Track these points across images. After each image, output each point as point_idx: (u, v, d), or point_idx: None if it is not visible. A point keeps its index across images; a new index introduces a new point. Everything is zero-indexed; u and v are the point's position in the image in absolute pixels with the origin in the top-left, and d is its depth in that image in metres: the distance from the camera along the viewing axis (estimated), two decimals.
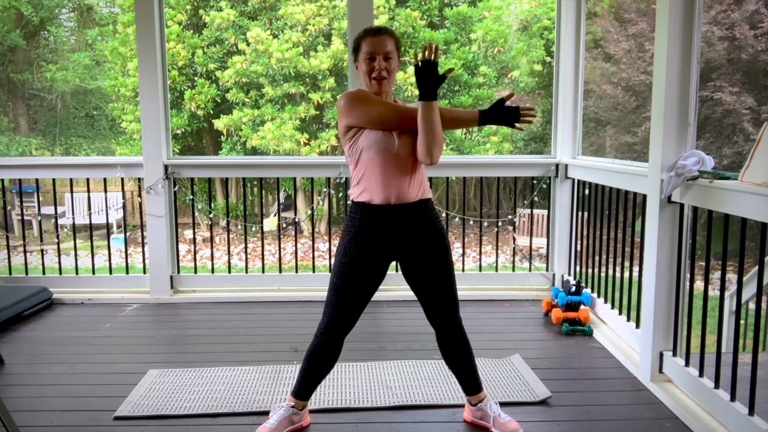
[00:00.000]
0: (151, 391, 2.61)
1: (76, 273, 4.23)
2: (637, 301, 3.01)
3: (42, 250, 4.60)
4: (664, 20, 2.45)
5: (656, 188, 2.57)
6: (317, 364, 2.22)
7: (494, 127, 9.11)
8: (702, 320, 2.41)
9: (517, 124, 2.13)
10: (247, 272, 4.29)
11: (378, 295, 2.25)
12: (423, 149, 2.06)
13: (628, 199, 3.25)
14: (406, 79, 8.70)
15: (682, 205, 2.53)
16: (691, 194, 2.42)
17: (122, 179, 4.10)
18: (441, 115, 2.06)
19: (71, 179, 4.29)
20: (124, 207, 4.54)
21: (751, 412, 2.10)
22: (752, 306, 4.48)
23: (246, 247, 4.43)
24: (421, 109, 2.02)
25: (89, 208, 4.30)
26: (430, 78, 1.99)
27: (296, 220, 5.30)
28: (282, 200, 9.75)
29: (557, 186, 4.00)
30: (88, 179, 4.35)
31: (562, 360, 3.01)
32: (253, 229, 7.54)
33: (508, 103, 2.13)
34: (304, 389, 2.27)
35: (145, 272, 4.12)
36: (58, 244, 4.42)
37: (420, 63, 1.99)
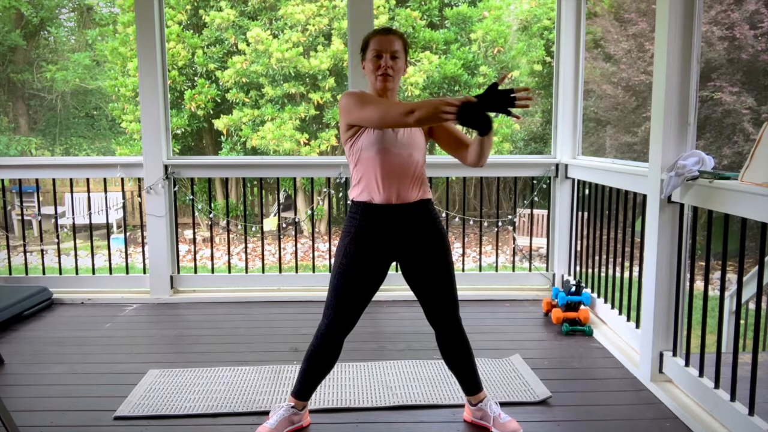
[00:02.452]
0: (151, 391, 2.61)
1: (76, 273, 4.23)
2: (637, 301, 3.01)
3: (42, 250, 4.60)
4: (664, 20, 2.45)
5: (656, 188, 2.57)
6: (317, 365, 2.22)
7: (494, 126, 9.10)
8: (702, 320, 2.41)
9: (513, 111, 1.88)
10: (247, 272, 4.29)
11: (378, 295, 2.25)
12: (478, 161, 2.12)
13: (628, 199, 3.25)
14: (406, 79, 8.70)
15: (682, 205, 2.53)
16: (691, 194, 2.42)
17: (122, 179, 4.10)
18: (431, 106, 1.91)
19: (71, 179, 4.29)
20: (124, 207, 4.54)
21: (751, 412, 2.10)
22: (752, 306, 4.48)
23: (246, 247, 4.43)
24: (480, 140, 2.05)
25: (89, 208, 4.30)
26: (477, 122, 1.95)
27: (296, 220, 5.30)
28: (282, 200, 9.75)
29: (557, 186, 4.00)
30: (88, 179, 4.35)
31: (562, 360, 3.01)
32: (253, 229, 7.54)
33: (501, 86, 1.94)
34: (304, 389, 2.27)
35: (145, 272, 4.12)
36: (58, 244, 4.42)
37: (462, 107, 1.87)
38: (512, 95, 1.86)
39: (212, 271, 4.38)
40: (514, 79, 9.56)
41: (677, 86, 2.47)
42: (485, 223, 5.09)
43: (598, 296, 3.59)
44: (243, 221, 5.80)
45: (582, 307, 3.43)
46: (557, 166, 3.98)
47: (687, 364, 2.53)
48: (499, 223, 4.35)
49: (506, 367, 2.88)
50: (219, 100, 9.17)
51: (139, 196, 4.12)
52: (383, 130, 2.10)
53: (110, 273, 4.28)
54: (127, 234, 5.97)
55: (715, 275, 6.35)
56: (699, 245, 2.78)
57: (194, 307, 3.88)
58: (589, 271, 3.74)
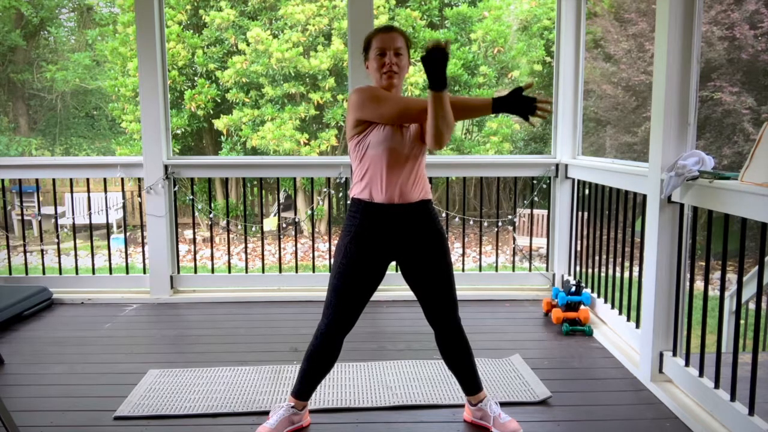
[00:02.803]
0: (151, 391, 2.61)
1: (76, 273, 4.23)
2: (637, 301, 3.01)
3: (42, 250, 4.60)
4: (664, 20, 2.45)
5: (656, 188, 2.57)
6: (317, 365, 2.22)
7: (494, 126, 9.11)
8: (702, 320, 2.41)
9: (531, 117, 1.98)
10: (247, 272, 4.29)
11: (378, 295, 2.25)
12: (432, 137, 1.97)
13: (628, 199, 3.25)
14: (406, 79, 8.70)
15: (682, 205, 2.53)
16: (691, 194, 2.42)
17: (122, 179, 4.10)
18: (451, 104, 1.97)
19: (71, 179, 4.29)
20: (124, 207, 4.54)
21: (751, 412, 2.10)
22: (752, 306, 4.48)
23: (246, 247, 4.43)
24: (431, 100, 1.91)
25: (89, 208, 4.30)
26: (436, 64, 1.85)
27: (296, 220, 5.30)
28: (282, 200, 9.75)
29: (557, 186, 4.00)
30: (88, 179, 4.35)
31: (562, 360, 3.01)
32: (253, 229, 7.54)
33: (526, 92, 2.01)
34: (304, 389, 2.27)
35: (145, 272, 4.12)
36: (58, 244, 4.42)
37: (427, 51, 1.84)
38: (534, 104, 1.94)
39: (212, 271, 4.38)
40: (514, 79, 9.57)
41: (677, 86, 2.47)
42: (485, 223, 5.09)
43: (598, 296, 3.59)
44: (243, 221, 5.80)
45: (582, 307, 3.43)
46: (557, 166, 3.98)
47: (687, 364, 2.53)
48: (499, 223, 4.35)
49: (506, 367, 2.88)
50: (219, 100, 9.17)
51: (139, 196, 4.12)
52: (392, 129, 2.10)
53: (110, 273, 4.28)
54: (127, 234, 5.97)
55: (715, 275, 6.35)
56: (699, 245, 2.78)
57: (194, 307, 3.88)
58: (589, 271, 3.74)
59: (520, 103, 1.96)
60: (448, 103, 1.93)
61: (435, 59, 1.84)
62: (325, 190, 4.29)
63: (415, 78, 8.58)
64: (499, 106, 1.99)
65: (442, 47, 1.83)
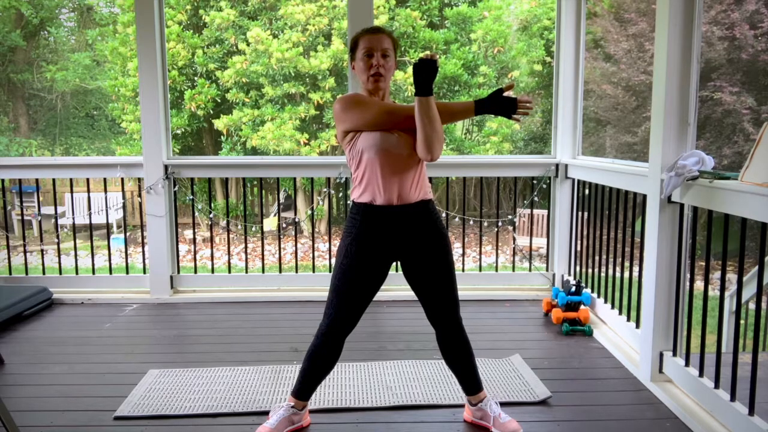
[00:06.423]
0: (151, 391, 2.61)
1: (76, 273, 4.23)
2: (637, 301, 3.01)
3: (42, 250, 4.60)
4: (664, 20, 2.45)
5: (656, 188, 2.57)
6: (318, 365, 2.22)
7: (494, 126, 9.12)
8: (702, 320, 2.41)
9: (513, 116, 2.09)
10: (247, 272, 4.29)
11: (378, 295, 2.24)
12: (422, 145, 2.03)
13: (628, 199, 3.25)
14: (405, 79, 8.70)
15: (682, 205, 2.53)
16: (691, 194, 2.42)
17: (122, 179, 4.10)
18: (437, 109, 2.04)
19: (71, 179, 4.28)
20: (124, 207, 4.54)
21: (751, 412, 2.10)
22: (752, 306, 4.48)
23: (246, 247, 4.43)
24: (417, 105, 2.00)
25: (89, 208, 4.30)
26: (426, 73, 1.96)
27: (296, 220, 5.29)
28: (282, 200, 9.75)
29: (557, 186, 4.00)
30: (88, 179, 4.35)
31: (562, 360, 3.01)
32: (253, 229, 7.54)
33: (506, 94, 2.10)
34: (304, 389, 2.27)
35: (145, 272, 4.12)
36: (58, 244, 4.42)
37: (419, 60, 1.97)
38: (515, 103, 2.06)
39: (212, 271, 4.38)
40: (514, 79, 9.57)
41: (677, 86, 2.47)
42: (485, 223, 5.09)
43: (598, 296, 3.59)
44: (243, 221, 5.80)
45: (582, 307, 3.43)
46: (557, 166, 3.98)
47: (687, 364, 2.53)
48: (499, 223, 4.35)
49: (506, 367, 2.88)
50: (219, 100, 9.17)
51: (139, 196, 4.12)
52: (382, 131, 2.10)
53: (110, 273, 4.28)
54: (127, 234, 5.97)
55: (715, 275, 6.35)
56: (699, 245, 2.78)
57: (194, 307, 3.88)
58: (589, 271, 3.74)
59: (501, 104, 2.07)
60: (434, 108, 2.01)
61: (427, 67, 1.96)
62: (325, 190, 4.29)
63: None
64: (482, 108, 2.09)
65: (435, 60, 1.96)
